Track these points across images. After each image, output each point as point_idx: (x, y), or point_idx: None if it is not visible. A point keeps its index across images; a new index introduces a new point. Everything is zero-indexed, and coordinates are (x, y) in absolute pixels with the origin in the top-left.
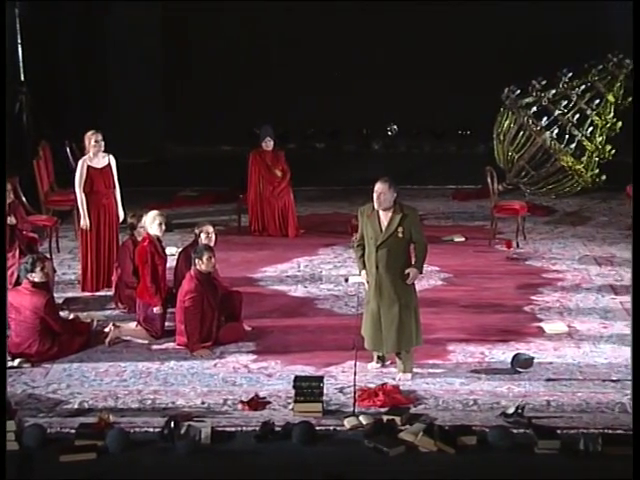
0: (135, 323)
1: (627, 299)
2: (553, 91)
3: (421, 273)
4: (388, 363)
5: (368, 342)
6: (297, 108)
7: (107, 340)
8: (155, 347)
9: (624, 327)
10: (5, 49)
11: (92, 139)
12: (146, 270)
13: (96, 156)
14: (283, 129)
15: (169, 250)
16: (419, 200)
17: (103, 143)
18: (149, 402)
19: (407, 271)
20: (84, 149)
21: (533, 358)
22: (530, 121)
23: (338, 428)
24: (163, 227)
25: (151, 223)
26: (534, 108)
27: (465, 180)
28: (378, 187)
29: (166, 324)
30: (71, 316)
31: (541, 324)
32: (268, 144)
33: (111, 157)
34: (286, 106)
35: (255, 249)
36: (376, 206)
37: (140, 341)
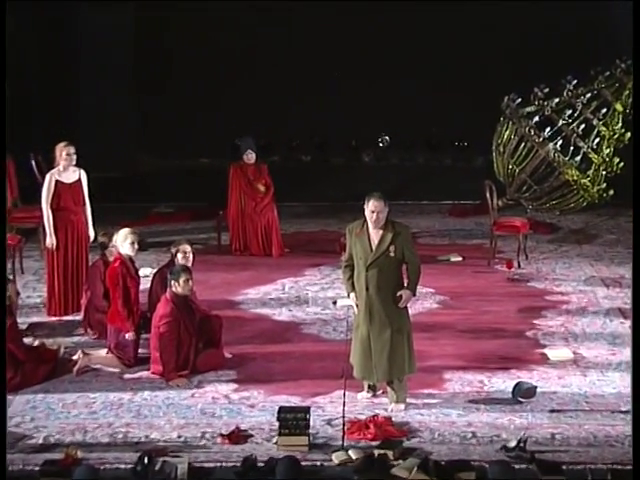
0: (106, 350)
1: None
2: (557, 99)
3: (414, 295)
4: (379, 393)
5: (358, 370)
6: (281, 118)
7: (75, 369)
8: (127, 376)
9: None
10: (5, 49)
11: (64, 151)
12: (118, 293)
13: (66, 170)
14: (266, 140)
15: (143, 271)
16: (412, 216)
17: (75, 157)
18: (121, 436)
19: (399, 293)
20: (52, 161)
21: (536, 387)
22: (532, 132)
23: (326, 463)
24: (136, 246)
25: (123, 242)
26: (536, 118)
27: (462, 195)
28: (375, 205)
29: (139, 351)
30: (36, 343)
31: (544, 350)
32: (250, 157)
33: (82, 172)
34: (269, 116)
35: (236, 270)
36: (373, 226)
37: (111, 370)
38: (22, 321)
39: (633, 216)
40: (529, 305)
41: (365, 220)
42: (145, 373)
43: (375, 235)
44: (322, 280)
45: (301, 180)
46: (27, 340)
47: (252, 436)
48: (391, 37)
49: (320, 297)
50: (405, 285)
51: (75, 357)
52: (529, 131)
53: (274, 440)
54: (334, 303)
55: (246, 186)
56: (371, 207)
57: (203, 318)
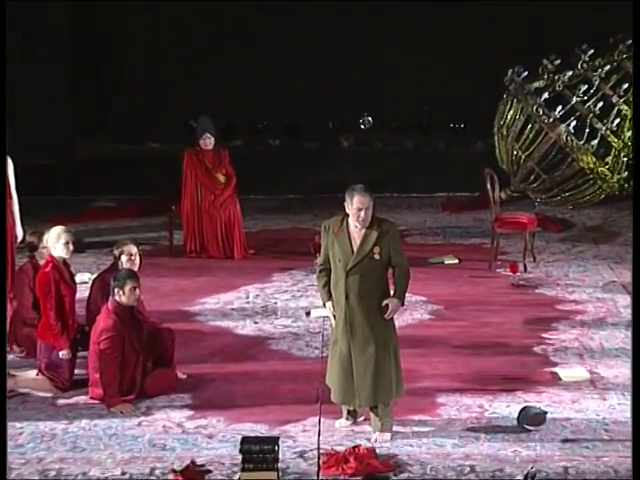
0: (35, 371)
1: None
2: (570, 73)
3: (403, 305)
4: (361, 420)
5: (336, 393)
6: (245, 95)
7: None
8: (61, 402)
9: None
10: (5, 49)
11: None
12: (49, 303)
13: None
14: (226, 122)
15: (80, 277)
16: (400, 212)
17: None
18: (53, 473)
19: (385, 302)
20: None
21: (546, 413)
22: (541, 111)
23: None
24: (71, 247)
25: (55, 242)
26: (546, 95)
27: (458, 186)
28: (360, 201)
29: (76, 372)
30: None
31: (556, 369)
32: (207, 141)
33: (8, 160)
34: (231, 93)
35: (192, 275)
36: (359, 225)
37: (42, 394)
38: None
39: (633, 216)
40: (537, 316)
41: (345, 216)
42: (82, 398)
43: (357, 234)
44: (293, 287)
45: (268, 168)
46: None
47: (210, 472)
48: (373, 3)
49: (291, 307)
50: (392, 293)
51: None
52: (537, 110)
53: (236, 477)
54: (307, 314)
55: (203, 176)
56: (356, 204)
57: (152, 332)
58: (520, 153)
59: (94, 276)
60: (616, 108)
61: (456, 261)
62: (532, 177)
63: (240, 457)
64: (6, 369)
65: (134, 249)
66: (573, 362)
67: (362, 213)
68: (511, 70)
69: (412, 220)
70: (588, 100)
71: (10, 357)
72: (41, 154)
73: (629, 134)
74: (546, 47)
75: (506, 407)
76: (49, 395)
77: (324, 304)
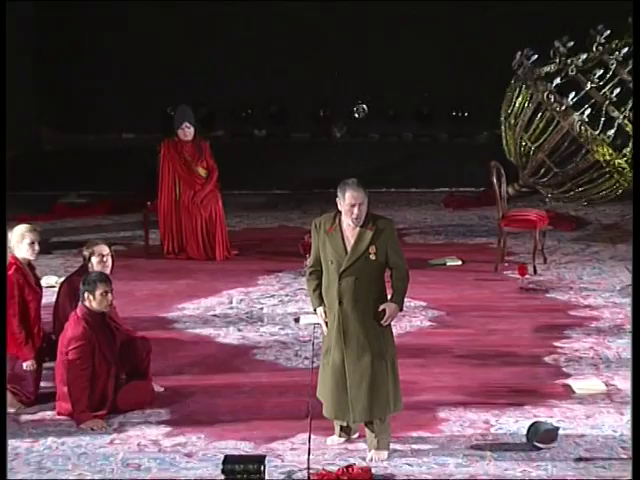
0: None
1: None
2: (584, 56)
3: (401, 310)
4: (355, 437)
5: (328, 407)
6: (227, 81)
7: None
8: (25, 418)
9: None
10: (5, 49)
11: None
12: (12, 309)
13: None
14: (208, 110)
15: (46, 280)
16: (398, 208)
17: None
18: None
19: (382, 307)
20: None
21: (558, 429)
22: (552, 98)
23: None
24: (37, 247)
25: (19, 242)
26: (557, 80)
27: (462, 181)
28: (354, 196)
29: (42, 385)
30: None
31: (569, 381)
32: (186, 131)
33: None
34: (212, 78)
35: (169, 278)
36: (352, 222)
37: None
38: None
39: (633, 216)
40: (548, 322)
41: (337, 213)
42: (49, 413)
43: (351, 233)
44: (281, 291)
45: (254, 161)
46: None
47: None
48: None
49: (278, 313)
50: (389, 297)
51: None
52: (548, 97)
53: None
54: (296, 321)
55: (182, 169)
56: (349, 199)
57: (126, 341)
58: (529, 144)
59: (62, 279)
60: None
61: (459, 262)
62: (542, 170)
63: (222, 477)
64: (6, 369)
65: (106, 250)
66: (588, 373)
67: (356, 209)
68: (520, 53)
69: (411, 218)
70: (604, 86)
71: None
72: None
73: None
74: (558, 28)
75: (514, 423)
76: (12, 410)
77: (315, 310)
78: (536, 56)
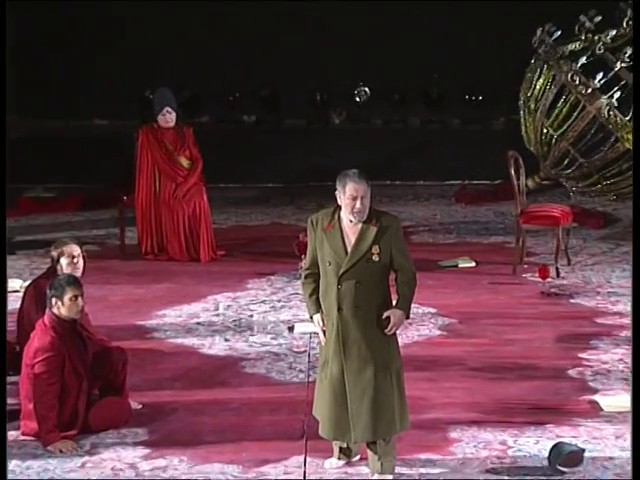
0: None
1: None
2: (613, 32)
3: (408, 317)
4: (356, 459)
5: (326, 426)
6: (213, 61)
7: None
8: None
9: None
10: (5, 49)
11: None
12: None
13: None
14: (191, 93)
15: (10, 284)
16: (404, 203)
17: None
18: None
19: (386, 314)
20: None
21: (583, 451)
22: (577, 80)
23: None
24: None
25: None
26: (583, 59)
27: (475, 172)
28: (355, 189)
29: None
30: None
31: (596, 397)
32: (168, 117)
33: None
34: (196, 58)
35: (148, 281)
36: (353, 219)
37: None
38: None
39: (633, 216)
40: (573, 331)
41: (336, 208)
42: (13, 433)
43: (351, 231)
44: (273, 296)
45: (242, 151)
46: None
47: None
48: None
49: (270, 321)
50: (394, 303)
51: None
52: (573, 78)
53: None
54: (290, 329)
55: (162, 159)
56: (349, 192)
57: (99, 352)
58: (552, 131)
59: (27, 283)
60: None
61: (473, 264)
62: (566, 161)
63: None
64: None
65: (76, 250)
66: (617, 388)
67: (357, 204)
68: (541, 29)
69: (419, 214)
70: None
71: None
72: None
73: None
74: (583, 1)
75: (535, 444)
76: None
77: (311, 317)
78: (559, 32)
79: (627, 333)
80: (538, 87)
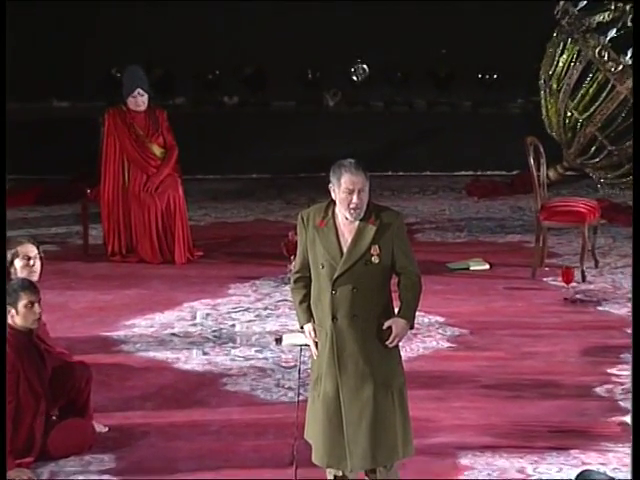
0: None
1: None
2: None
3: (412, 328)
4: None
5: (319, 452)
6: (190, 35)
7: None
8: None
9: None
10: (5, 49)
11: None
12: None
13: None
14: (164, 71)
15: None
16: (408, 197)
17: None
18: None
19: (387, 324)
20: None
21: (613, 479)
22: (606, 55)
23: None
24: None
25: None
26: (613, 32)
27: (489, 162)
28: (352, 181)
29: None
30: None
31: (626, 418)
32: (139, 99)
33: None
34: (170, 32)
35: (115, 286)
36: (350, 215)
37: None
38: None
39: (633, 216)
40: (600, 343)
41: (330, 203)
42: None
43: (347, 228)
44: (258, 303)
45: (223, 137)
46: None
47: None
48: None
49: (255, 332)
50: (396, 311)
51: None
52: (600, 54)
53: None
54: (278, 341)
55: (132, 147)
56: (345, 185)
57: (59, 368)
58: (577, 115)
59: None
60: None
61: (487, 267)
62: (593, 149)
63: None
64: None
65: (33, 250)
66: None
67: (354, 197)
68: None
69: (425, 209)
70: None
71: None
72: None
73: None
74: None
75: (557, 472)
76: None
77: (301, 327)
78: (585, 1)
79: None
80: (561, 64)
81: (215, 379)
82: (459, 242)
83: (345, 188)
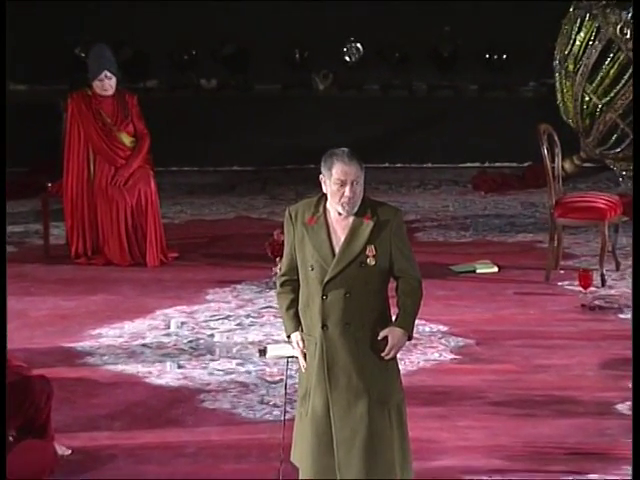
0: None
1: None
2: None
3: (411, 338)
4: None
5: (307, 475)
6: (162, 10)
7: None
8: None
9: None
10: (5, 49)
11: None
12: None
13: None
14: (134, 51)
15: None
16: (408, 191)
17: None
18: None
19: (383, 333)
20: None
21: None
22: (628, 34)
23: None
24: None
25: None
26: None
27: (497, 152)
28: (344, 171)
29: None
30: None
31: None
32: (106, 83)
33: None
34: (141, 7)
35: (80, 292)
36: (343, 210)
37: None
38: None
39: (633, 216)
40: (621, 355)
41: (321, 198)
42: None
43: (340, 226)
44: (239, 310)
45: (201, 124)
46: None
47: None
48: None
49: (236, 342)
50: (394, 319)
51: None
52: (622, 32)
53: None
54: (262, 353)
55: (98, 136)
56: (337, 176)
57: (16, 383)
58: (595, 100)
59: None
60: None
61: (495, 269)
62: (614, 137)
63: None
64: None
65: None
66: None
67: (347, 191)
68: None
69: (426, 205)
70: None
71: None
72: None
73: None
74: None
75: None
76: None
77: (288, 337)
78: None
79: None
80: (578, 43)
81: (191, 395)
82: (464, 242)
83: (337, 179)
